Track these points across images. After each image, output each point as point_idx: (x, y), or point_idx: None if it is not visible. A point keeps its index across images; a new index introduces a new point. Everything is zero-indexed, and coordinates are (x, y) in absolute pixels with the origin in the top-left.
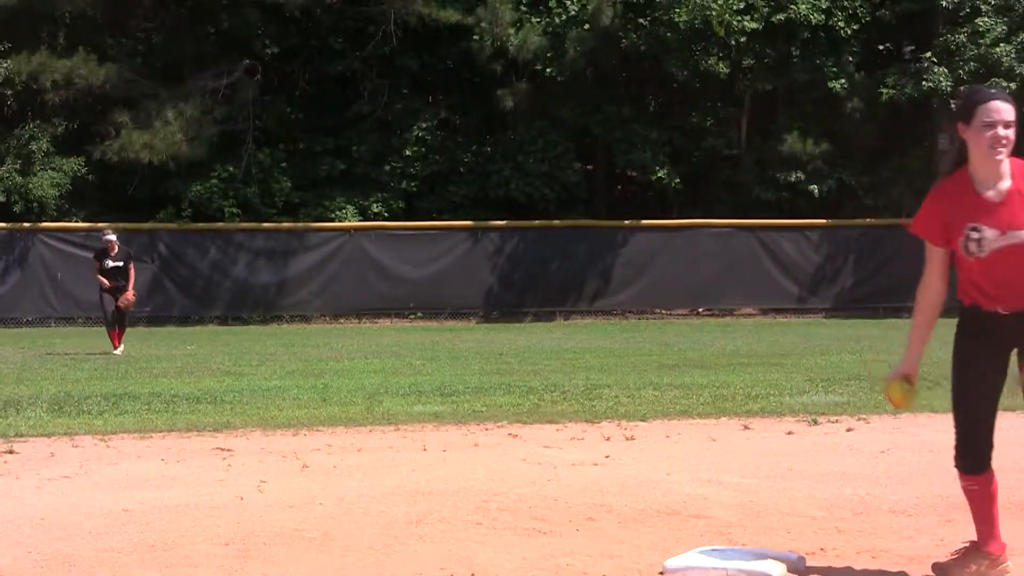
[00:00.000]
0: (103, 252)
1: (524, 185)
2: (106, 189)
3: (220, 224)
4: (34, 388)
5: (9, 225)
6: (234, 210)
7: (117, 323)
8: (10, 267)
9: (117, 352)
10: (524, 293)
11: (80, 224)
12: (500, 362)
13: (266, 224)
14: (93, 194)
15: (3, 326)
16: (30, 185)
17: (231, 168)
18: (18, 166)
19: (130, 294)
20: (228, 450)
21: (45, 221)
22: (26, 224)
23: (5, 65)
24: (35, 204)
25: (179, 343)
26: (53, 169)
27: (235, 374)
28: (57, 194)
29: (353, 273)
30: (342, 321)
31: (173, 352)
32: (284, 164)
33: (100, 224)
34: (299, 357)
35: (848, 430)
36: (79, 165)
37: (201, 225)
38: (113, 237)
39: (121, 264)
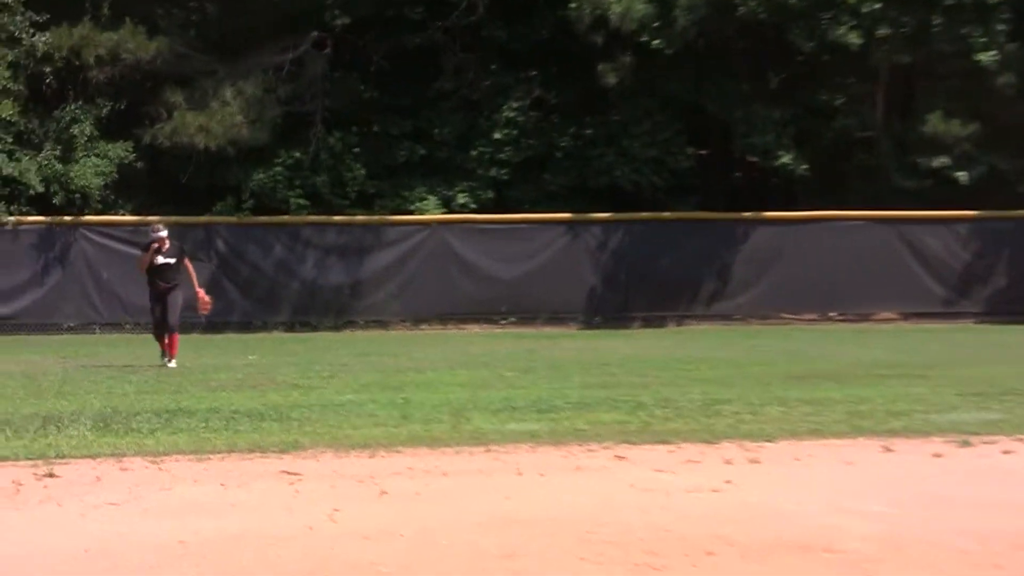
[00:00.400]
0: (153, 245)
1: (630, 172)
2: (157, 178)
3: (285, 217)
4: (77, 403)
5: (48, 219)
6: (301, 201)
7: (167, 328)
8: (49, 266)
9: (172, 364)
10: (631, 295)
11: (127, 217)
12: (604, 373)
13: (337, 217)
14: (142, 184)
15: (42, 332)
16: (71, 174)
17: (297, 154)
18: (58, 152)
19: (203, 294)
20: (296, 474)
21: (88, 214)
22: (67, 217)
23: (44, 39)
24: (77, 195)
25: (240, 352)
26: (97, 155)
27: (303, 387)
28: (102, 184)
29: (436, 272)
30: (424, 327)
31: (233, 362)
32: (357, 149)
33: (150, 218)
34: (375, 368)
35: (1005, 452)
36: (126, 151)
37: (264, 218)
38: (164, 233)
39: (173, 260)
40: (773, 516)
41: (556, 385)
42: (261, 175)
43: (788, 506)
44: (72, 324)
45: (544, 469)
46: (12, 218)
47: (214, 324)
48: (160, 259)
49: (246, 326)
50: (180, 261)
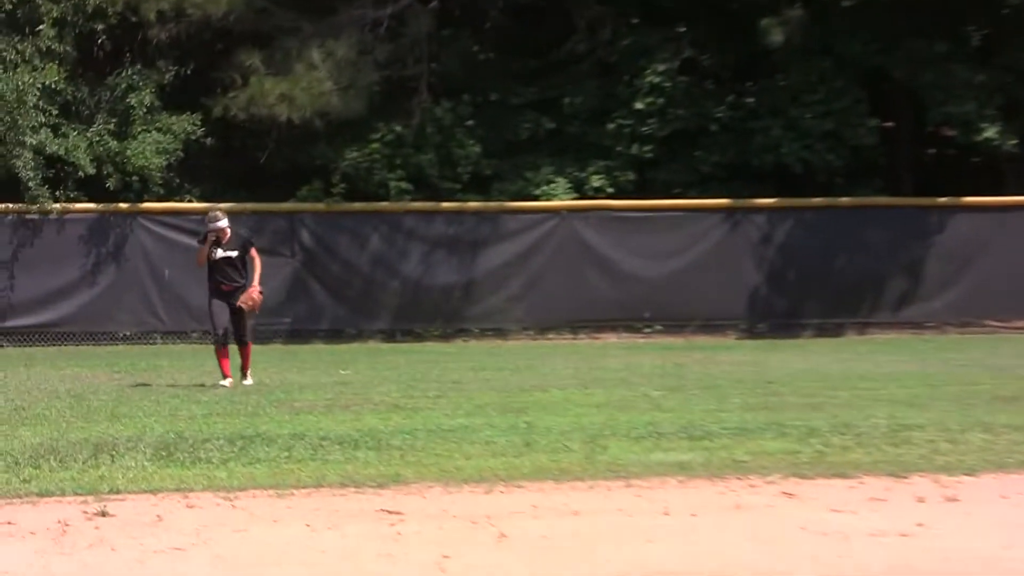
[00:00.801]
0: (212, 236)
1: (799, 149)
2: (229, 157)
3: (384, 204)
4: (134, 427)
5: (100, 206)
6: (403, 185)
7: (236, 339)
8: (101, 263)
9: (248, 381)
10: (802, 297)
11: (194, 204)
12: (769, 392)
13: (446, 204)
14: (212, 164)
15: (92, 343)
16: (128, 152)
17: (398, 128)
18: (112, 126)
19: (255, 290)
20: (397, 513)
21: (148, 201)
22: (123, 205)
23: None
24: (135, 178)
25: (330, 366)
26: (159, 130)
27: (406, 408)
28: (164, 164)
29: (565, 270)
30: (551, 336)
31: (321, 379)
32: (470, 122)
33: (221, 205)
34: (493, 385)
35: None
36: (193, 125)
37: (358, 205)
38: (223, 223)
39: (235, 254)
40: (975, 566)
41: (711, 407)
42: (355, 153)
43: (993, 554)
44: (128, 333)
45: (696, 508)
46: (57, 205)
47: (298, 332)
48: (219, 252)
49: (337, 335)
50: (245, 255)
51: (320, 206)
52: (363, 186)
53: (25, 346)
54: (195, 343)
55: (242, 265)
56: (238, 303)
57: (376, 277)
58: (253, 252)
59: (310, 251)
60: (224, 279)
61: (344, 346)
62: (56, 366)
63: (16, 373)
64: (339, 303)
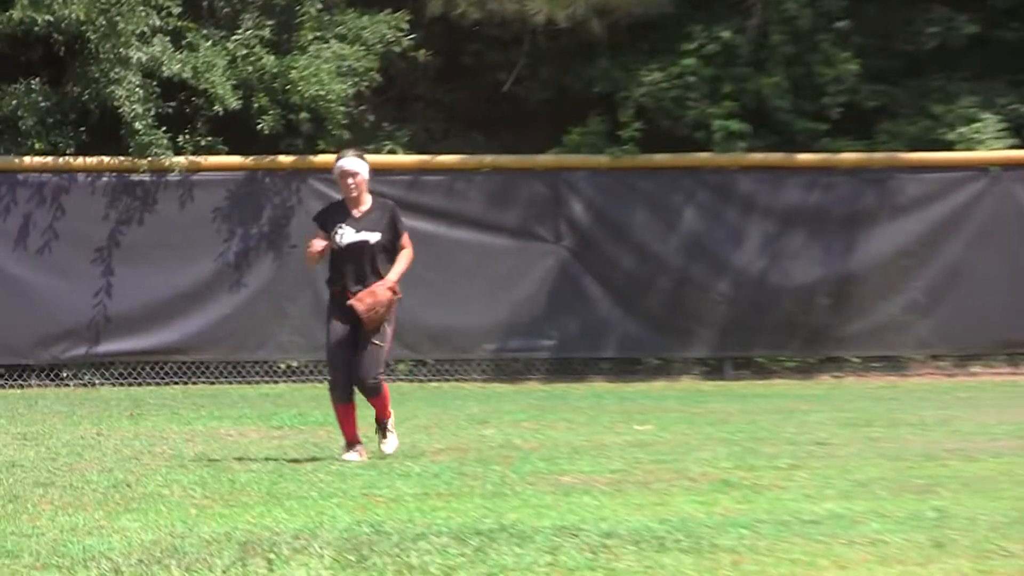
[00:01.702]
0: (336, 209)
1: None
2: (455, 82)
3: (703, 156)
4: (305, 515)
5: (249, 160)
6: (735, 125)
7: (356, 381)
8: (250, 251)
9: (387, 447)
10: None
11: (399, 158)
12: None
13: (804, 156)
14: (427, 93)
15: (237, 379)
16: (293, 74)
17: (726, 34)
18: (267, 33)
19: (382, 286)
20: None
21: (325, 151)
22: (285, 158)
23: None
24: (304, 115)
25: (617, 416)
26: (342, 39)
27: (741, 486)
28: (350, 93)
29: (1001, 262)
30: (976, 369)
31: (605, 437)
32: (842, 24)
33: (442, 158)
34: (882, 449)
35: None
36: (396, 31)
37: (662, 159)
38: (358, 166)
39: (376, 237)
40: None
41: None
42: (656, 75)
43: None
44: (295, 363)
45: None
46: (181, 159)
47: (568, 364)
48: (345, 235)
49: (630, 366)
50: (392, 240)
51: (601, 160)
52: (670, 127)
53: (130, 385)
54: (402, 379)
55: (387, 257)
56: (350, 302)
57: (692, 274)
58: (404, 239)
59: (585, 232)
60: (350, 280)
61: (641, 385)
62: (179, 417)
63: (117, 428)
64: (632, 316)
